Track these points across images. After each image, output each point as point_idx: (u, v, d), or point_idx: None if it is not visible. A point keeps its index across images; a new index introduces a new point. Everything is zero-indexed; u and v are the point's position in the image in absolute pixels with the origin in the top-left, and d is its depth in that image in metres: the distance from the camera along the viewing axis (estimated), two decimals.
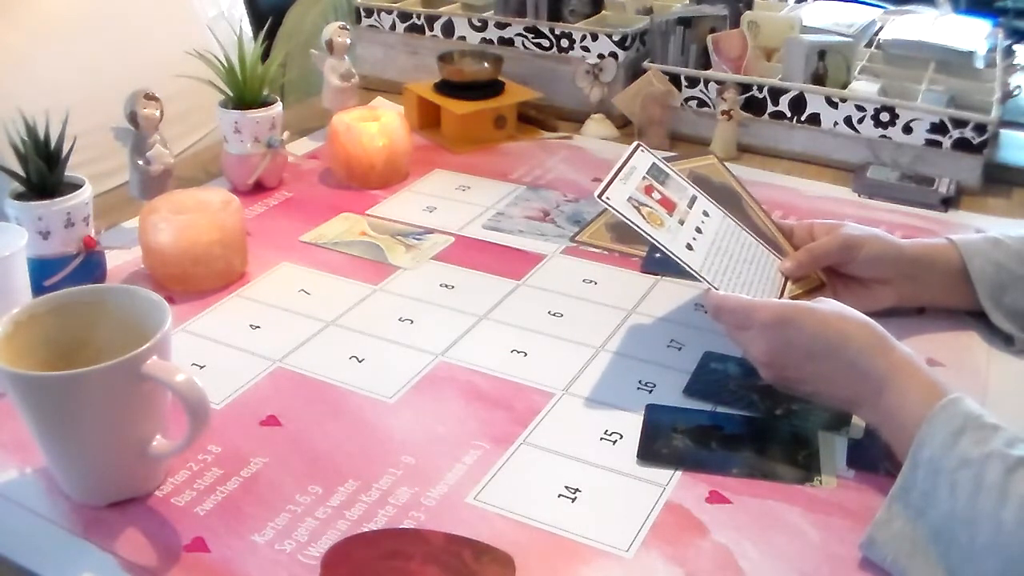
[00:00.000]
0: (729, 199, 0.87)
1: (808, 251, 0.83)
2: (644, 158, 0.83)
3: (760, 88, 1.21)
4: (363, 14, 1.48)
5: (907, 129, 1.14)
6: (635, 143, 0.84)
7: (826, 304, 0.72)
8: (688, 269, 0.76)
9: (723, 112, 1.19)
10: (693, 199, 0.83)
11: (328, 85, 1.24)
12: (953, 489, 0.58)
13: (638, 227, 0.76)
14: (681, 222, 0.80)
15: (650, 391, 0.77)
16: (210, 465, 0.69)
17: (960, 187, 1.12)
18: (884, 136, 1.16)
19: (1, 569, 0.61)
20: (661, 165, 0.84)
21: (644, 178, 0.81)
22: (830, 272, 0.85)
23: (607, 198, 0.76)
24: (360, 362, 0.81)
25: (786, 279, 0.83)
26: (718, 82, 1.23)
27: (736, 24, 1.29)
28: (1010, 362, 0.82)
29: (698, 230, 0.80)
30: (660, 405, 0.75)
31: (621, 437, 0.72)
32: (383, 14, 1.46)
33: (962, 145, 1.12)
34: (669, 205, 0.80)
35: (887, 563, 0.60)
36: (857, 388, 0.68)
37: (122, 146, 0.98)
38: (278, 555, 0.62)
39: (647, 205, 0.78)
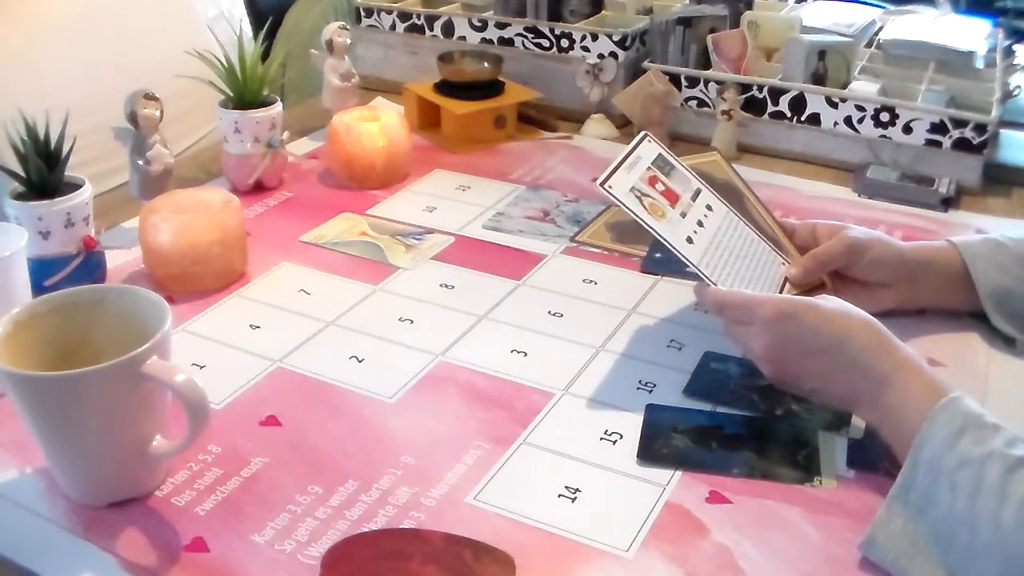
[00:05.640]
0: (732, 196, 0.87)
1: (814, 257, 0.83)
2: (650, 148, 0.82)
3: (760, 88, 1.21)
4: (363, 14, 1.48)
5: (907, 129, 1.14)
6: (642, 132, 0.83)
7: (828, 301, 0.71)
8: (687, 262, 0.76)
9: (723, 112, 1.19)
10: (697, 192, 0.82)
11: (328, 85, 1.24)
12: (953, 489, 0.58)
13: (639, 217, 0.75)
14: (683, 215, 0.79)
15: (650, 391, 0.77)
16: (210, 465, 0.69)
17: (960, 187, 1.12)
18: (884, 136, 1.16)
19: (1, 569, 0.61)
20: (667, 156, 0.83)
21: (648, 168, 0.80)
22: (831, 272, 0.85)
23: (609, 187, 0.76)
24: (360, 362, 0.81)
25: (786, 277, 0.83)
26: (718, 82, 1.23)
27: (736, 24, 1.29)
28: (1010, 362, 0.82)
29: (700, 224, 0.80)
30: (660, 405, 0.75)
31: (621, 437, 0.72)
32: (383, 14, 1.46)
33: (962, 145, 1.12)
34: (672, 197, 0.80)
35: (887, 563, 0.60)
36: (857, 386, 0.68)
37: (122, 146, 0.98)
38: (278, 555, 0.62)
39: (649, 196, 0.78)
